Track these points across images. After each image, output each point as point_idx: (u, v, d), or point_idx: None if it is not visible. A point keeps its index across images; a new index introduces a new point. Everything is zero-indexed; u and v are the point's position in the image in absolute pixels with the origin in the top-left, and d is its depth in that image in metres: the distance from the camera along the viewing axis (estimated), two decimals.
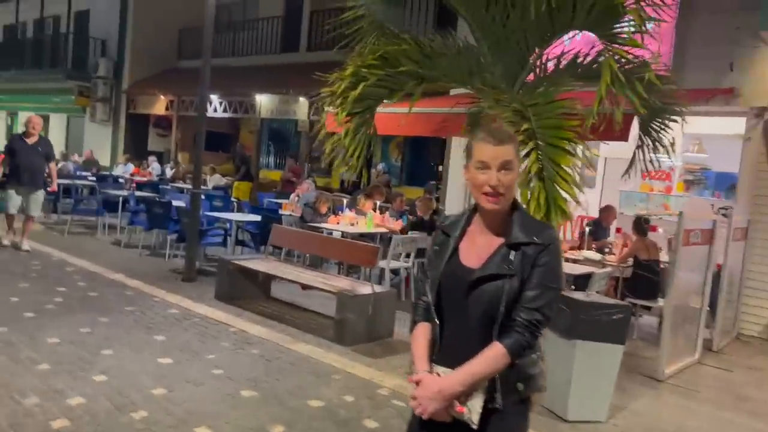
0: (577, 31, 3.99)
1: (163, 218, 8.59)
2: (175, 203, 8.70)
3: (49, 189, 8.69)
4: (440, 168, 14.42)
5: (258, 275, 6.61)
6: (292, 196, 10.28)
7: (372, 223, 7.67)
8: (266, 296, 6.84)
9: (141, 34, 18.11)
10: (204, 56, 7.45)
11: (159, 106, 17.30)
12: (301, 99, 13.37)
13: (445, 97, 7.76)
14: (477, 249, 1.93)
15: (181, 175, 14.37)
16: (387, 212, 8.48)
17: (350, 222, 7.72)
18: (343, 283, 5.95)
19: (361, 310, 5.38)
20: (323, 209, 7.86)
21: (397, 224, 7.91)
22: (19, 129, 24.15)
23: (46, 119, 22.04)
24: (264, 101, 14.24)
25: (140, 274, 7.57)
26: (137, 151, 17.63)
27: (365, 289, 5.61)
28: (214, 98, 15.54)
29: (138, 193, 10.82)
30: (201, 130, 7.48)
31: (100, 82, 18.32)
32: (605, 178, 12.16)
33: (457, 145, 10.45)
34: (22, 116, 23.52)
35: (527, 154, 3.58)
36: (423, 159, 14.92)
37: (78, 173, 14.15)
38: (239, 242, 8.09)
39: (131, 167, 16.01)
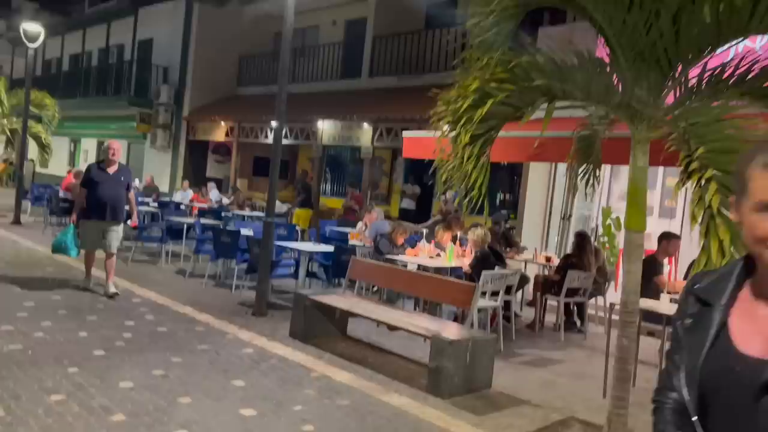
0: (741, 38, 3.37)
1: (231, 247, 8.21)
2: (243, 232, 8.33)
3: (130, 223, 7.78)
4: (507, 196, 13.81)
5: (335, 312, 6.11)
6: (360, 224, 9.81)
7: (453, 256, 7.09)
8: (343, 334, 6.32)
9: (202, 61, 18.24)
10: (280, 80, 7.10)
11: (219, 133, 17.27)
12: (365, 125, 13.00)
13: (537, 120, 7.19)
14: (761, 327, 1.29)
15: (241, 202, 14.14)
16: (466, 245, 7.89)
17: (429, 255, 7.17)
18: (431, 324, 5.37)
19: (458, 357, 4.78)
20: (400, 240, 7.34)
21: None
22: (81, 156, 24.94)
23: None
24: (325, 127, 13.95)
25: (209, 306, 7.17)
26: (196, 178, 17.60)
27: (461, 332, 5.01)
28: (274, 125, 15.34)
29: (203, 221, 10.55)
30: (276, 158, 7.09)
31: (162, 109, 18.48)
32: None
33: (534, 172, 9.82)
34: (85, 143, 24.14)
35: (698, 184, 2.97)
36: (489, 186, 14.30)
37: (139, 199, 14.07)
38: (310, 274, 7.63)
39: (190, 193, 15.91)
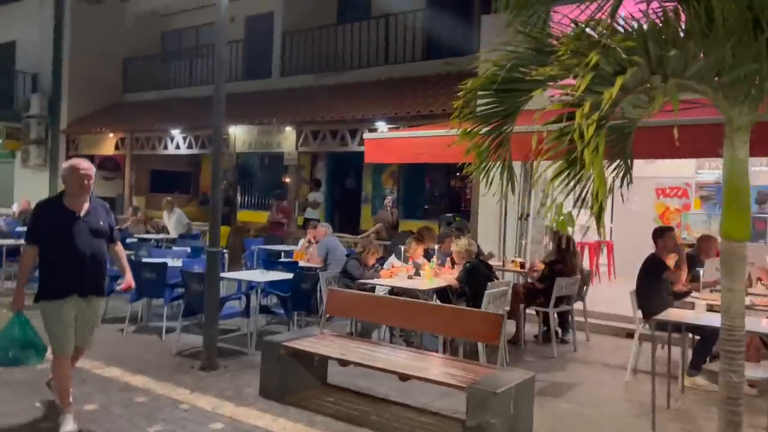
0: None
1: (157, 284, 6.74)
2: (170, 264, 6.88)
3: (120, 286, 4.84)
4: (445, 198, 13.08)
5: (314, 358, 4.95)
6: (302, 242, 8.62)
7: (431, 274, 6.13)
8: (324, 383, 5.16)
9: (79, 65, 15.95)
10: (217, 76, 5.79)
11: (106, 146, 15.16)
12: (287, 129, 11.73)
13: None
14: None
15: (144, 221, 12.31)
16: (435, 258, 6.95)
17: (408, 275, 6.16)
18: (452, 368, 4.38)
19: (503, 410, 3.83)
20: (372, 260, 6.28)
21: (451, 273, 6.39)
22: None
23: None
24: (238, 133, 12.49)
25: (141, 363, 5.71)
26: None
27: (498, 377, 4.06)
28: (176, 133, 13.64)
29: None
30: (217, 170, 5.77)
31: (33, 122, 15.98)
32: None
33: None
34: None
35: None
36: (418, 188, 13.55)
37: (16, 229, 11.83)
38: (264, 309, 6.34)
39: None
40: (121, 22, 16.53)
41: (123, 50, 16.61)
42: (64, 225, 4.08)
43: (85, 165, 4.19)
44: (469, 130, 3.71)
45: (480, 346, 5.21)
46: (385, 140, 6.34)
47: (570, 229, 9.74)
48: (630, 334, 7.56)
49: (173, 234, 12.38)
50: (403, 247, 6.73)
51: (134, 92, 16.64)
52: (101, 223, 4.28)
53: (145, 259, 7.29)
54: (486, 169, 3.83)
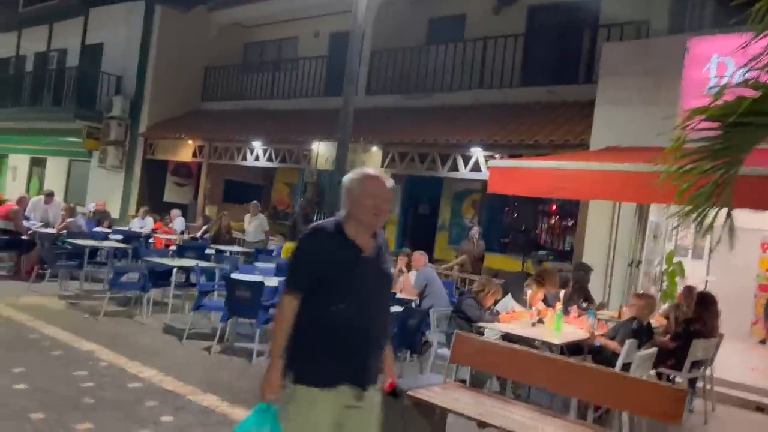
0: None
1: (251, 305, 6.31)
2: (267, 283, 6.46)
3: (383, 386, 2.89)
4: (533, 233, 12.37)
5: (434, 409, 4.37)
6: (394, 271, 8.07)
7: (560, 324, 5.48)
8: None
9: (163, 71, 16.05)
10: (346, 89, 5.39)
11: (184, 152, 15.08)
12: (374, 148, 11.32)
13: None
14: None
15: (225, 231, 11.96)
16: (559, 304, 6.28)
17: (531, 322, 5.54)
18: None
19: None
20: (490, 301, 5.68)
21: (585, 324, 5.72)
22: (8, 174, 21.78)
23: (43, 163, 19.68)
24: (321, 150, 12.16)
25: (237, 393, 5.25)
26: (152, 203, 15.25)
27: None
28: (256, 145, 13.42)
29: (183, 262, 8.50)
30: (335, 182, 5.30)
31: (114, 123, 16.06)
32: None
33: (596, 210, 8.44)
34: (14, 159, 21.11)
35: None
36: (499, 220, 12.91)
37: (94, 229, 11.73)
38: None
39: (150, 222, 13.64)
40: (206, 32, 16.61)
41: (205, 59, 16.66)
42: (345, 268, 2.55)
43: (388, 183, 2.63)
44: (689, 167, 3.09)
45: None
46: (516, 170, 5.79)
47: (679, 279, 9.00)
48: (761, 408, 6.75)
49: (250, 239, 12.11)
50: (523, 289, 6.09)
51: (212, 101, 16.62)
52: (389, 268, 2.83)
53: (236, 275, 6.88)
54: (702, 214, 3.19)
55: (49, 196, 11.89)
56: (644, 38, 8.35)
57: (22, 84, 19.20)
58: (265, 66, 16.25)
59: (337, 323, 2.55)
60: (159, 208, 14.86)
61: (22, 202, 10.21)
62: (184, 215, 14.32)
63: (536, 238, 12.19)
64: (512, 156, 9.48)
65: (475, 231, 10.48)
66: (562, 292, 6.17)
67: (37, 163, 19.98)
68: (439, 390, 4.46)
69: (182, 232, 13.61)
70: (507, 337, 5.48)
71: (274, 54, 16.71)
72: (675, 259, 8.92)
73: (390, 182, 2.64)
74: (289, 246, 11.71)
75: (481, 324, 5.35)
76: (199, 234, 12.65)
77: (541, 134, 9.09)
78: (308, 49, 15.43)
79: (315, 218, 14.09)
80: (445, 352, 5.67)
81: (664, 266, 8.81)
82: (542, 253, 10.00)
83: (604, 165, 5.13)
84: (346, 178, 2.64)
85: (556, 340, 5.13)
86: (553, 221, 11.92)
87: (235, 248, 11.89)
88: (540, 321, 5.53)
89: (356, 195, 2.57)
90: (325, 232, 2.59)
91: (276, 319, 2.63)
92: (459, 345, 4.62)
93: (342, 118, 5.30)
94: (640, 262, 8.25)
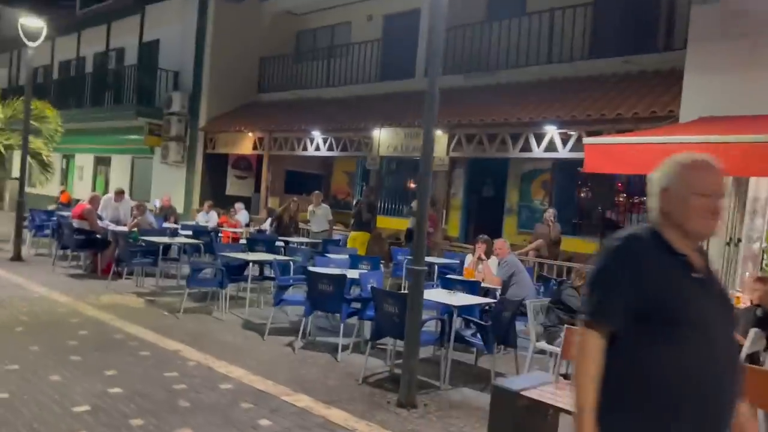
0: None
1: (334, 299, 6.12)
2: (349, 275, 6.25)
3: None
4: (609, 212, 11.79)
5: (548, 410, 4.05)
6: (470, 258, 7.76)
7: None
8: None
9: (219, 64, 16.08)
10: (430, 72, 5.06)
11: (244, 145, 15.08)
12: (439, 132, 10.95)
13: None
14: None
15: (291, 220, 11.73)
16: None
17: None
18: None
19: None
20: None
21: None
22: (75, 173, 22.42)
23: (107, 161, 20.13)
24: (383, 136, 11.88)
25: (329, 393, 5.06)
26: (215, 197, 15.32)
27: None
28: (316, 134, 13.26)
29: (256, 255, 8.39)
30: (426, 176, 5.01)
31: (174, 119, 16.21)
32: None
33: None
34: (79, 159, 21.70)
35: None
36: (571, 201, 12.36)
37: (163, 225, 11.83)
38: (459, 339, 5.53)
39: (215, 216, 13.70)
40: (259, 22, 16.51)
41: (259, 50, 16.57)
42: (679, 294, 1.83)
43: (721, 172, 1.93)
44: None
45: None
46: (615, 146, 5.36)
47: None
48: None
49: (315, 228, 11.98)
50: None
51: (268, 92, 16.56)
52: (729, 294, 2.15)
53: (318, 269, 6.70)
54: None
55: (120, 194, 12.02)
56: None
57: (84, 85, 19.65)
58: (318, 54, 16.04)
59: (673, 373, 1.76)
60: (222, 202, 14.94)
61: (94, 201, 10.34)
62: (247, 208, 14.34)
63: (612, 218, 11.62)
64: (591, 133, 8.96)
65: (551, 213, 10.00)
66: None
67: (102, 162, 20.47)
68: (551, 389, 4.14)
69: (247, 225, 13.64)
70: None
71: (326, 41, 16.47)
72: None
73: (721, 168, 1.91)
74: (355, 236, 11.53)
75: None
76: (267, 225, 12.56)
77: (623, 107, 8.54)
78: (361, 33, 15.11)
79: (379, 206, 13.87)
80: (544, 345, 5.34)
81: (764, 244, 8.17)
82: None
83: (723, 137, 4.65)
84: (659, 172, 1.95)
85: None
86: (629, 199, 11.30)
87: (302, 239, 11.80)
88: None
89: (679, 193, 1.87)
90: (644, 243, 1.87)
91: (578, 363, 1.88)
92: (572, 341, 4.27)
93: (427, 100, 4.97)
94: (739, 240, 7.65)
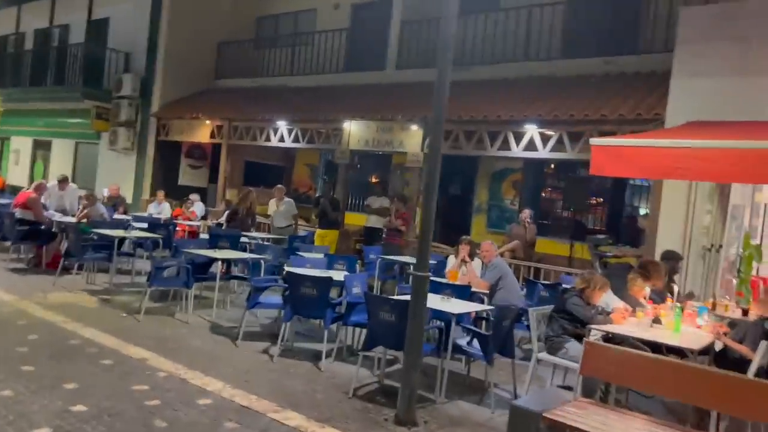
0: None
1: (318, 303, 5.66)
2: (335, 278, 5.81)
3: None
4: (581, 215, 11.70)
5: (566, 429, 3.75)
6: (454, 260, 7.43)
7: (680, 324, 4.86)
8: None
9: (175, 47, 15.14)
10: (440, 61, 4.70)
11: (200, 133, 14.28)
12: (413, 127, 10.59)
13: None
14: None
15: (248, 209, 11.05)
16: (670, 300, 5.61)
17: (649, 321, 4.90)
18: None
19: None
20: (597, 298, 5.04)
21: (709, 325, 5.05)
22: (11, 157, 20.85)
23: (47, 146, 18.81)
24: (354, 129, 11.41)
25: (320, 408, 4.61)
26: (166, 187, 14.43)
27: None
28: (281, 124, 12.65)
29: (253, 257, 7.82)
30: (433, 172, 4.62)
31: (124, 103, 15.22)
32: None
33: (670, 190, 7.78)
34: (15, 142, 20.20)
35: None
36: (538, 202, 12.24)
37: (113, 216, 11.00)
38: (456, 349, 5.17)
39: (167, 207, 12.92)
40: (217, 5, 15.69)
41: (217, 34, 15.75)
42: None
43: None
44: None
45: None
46: (624, 149, 5.10)
47: (756, 265, 8.39)
48: None
49: (279, 224, 11.42)
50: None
51: (226, 78, 15.78)
52: None
53: (296, 269, 6.22)
54: None
55: (63, 181, 11.15)
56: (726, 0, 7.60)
57: (23, 63, 18.27)
58: (281, 41, 15.37)
59: None
60: (174, 193, 14.13)
61: (40, 189, 9.47)
62: (202, 200, 13.60)
63: (582, 220, 11.57)
64: (572, 133, 8.81)
65: (527, 214, 9.81)
66: (675, 287, 5.53)
67: (41, 146, 19.09)
68: (573, 409, 3.84)
69: (203, 218, 12.92)
70: (609, 338, 4.87)
71: (290, 27, 15.80)
72: (754, 241, 8.31)
73: None
74: (324, 233, 11.03)
75: (593, 326, 4.71)
76: (224, 219, 11.85)
77: (606, 109, 8.39)
78: (327, 21, 14.55)
79: (350, 202, 13.40)
80: (546, 356, 5.06)
81: (740, 250, 8.19)
82: (601, 236, 9.34)
83: (743, 143, 4.46)
84: None
85: (680, 343, 4.52)
86: (600, 201, 11.28)
87: (263, 234, 11.22)
88: (657, 321, 4.90)
89: None
90: None
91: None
92: (591, 356, 3.99)
93: (437, 91, 4.63)
94: (720, 246, 7.63)
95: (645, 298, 5.48)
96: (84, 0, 16.53)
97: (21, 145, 19.90)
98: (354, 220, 12.72)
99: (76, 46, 16.42)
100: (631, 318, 4.98)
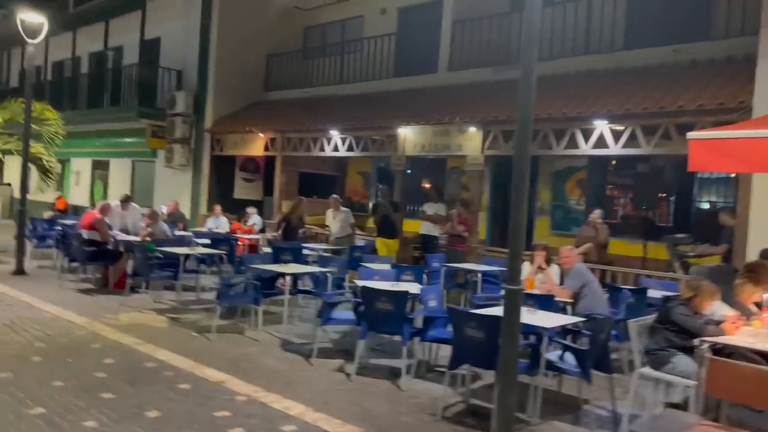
0: None
1: (396, 318, 5.41)
2: (412, 291, 5.55)
3: None
4: (653, 213, 11.14)
5: None
6: (530, 268, 7.04)
7: None
8: None
9: (226, 62, 15.28)
10: (524, 53, 4.39)
11: (255, 146, 14.31)
12: (472, 129, 10.26)
13: None
14: None
15: (299, 218, 10.80)
16: None
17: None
18: None
19: None
20: (707, 306, 4.61)
21: None
22: (72, 178, 21.42)
23: (105, 165, 19.26)
24: (409, 135, 11.16)
25: (400, 431, 4.36)
26: (223, 201, 14.50)
27: None
28: (334, 134, 12.52)
29: (309, 269, 7.67)
30: (523, 177, 4.31)
31: (179, 120, 15.41)
32: None
33: (762, 184, 7.23)
34: (75, 163, 20.77)
35: None
36: (604, 200, 11.69)
37: (175, 233, 11.06)
38: (551, 366, 4.83)
39: (225, 221, 12.93)
40: (265, 17, 15.74)
41: (266, 47, 15.78)
42: None
43: None
44: None
45: None
46: (726, 142, 4.68)
47: None
48: None
49: (337, 234, 11.27)
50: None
51: (276, 90, 15.80)
52: None
53: (366, 282, 5.99)
54: None
55: (126, 201, 11.25)
56: None
57: (80, 86, 18.77)
58: (328, 50, 15.29)
59: None
60: (229, 206, 14.17)
61: (105, 210, 9.56)
62: (259, 213, 13.58)
63: (653, 218, 10.99)
64: (646, 127, 8.33)
65: (597, 214, 9.34)
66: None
67: (100, 166, 19.58)
68: None
69: (261, 231, 12.88)
70: (717, 351, 4.42)
71: (337, 36, 15.71)
72: None
73: None
74: (386, 242, 10.81)
75: (707, 338, 4.29)
76: (279, 231, 11.73)
77: (684, 99, 7.88)
78: (374, 28, 14.37)
79: (407, 208, 13.15)
80: (649, 372, 4.65)
81: None
82: (680, 235, 8.78)
83: None
84: None
85: None
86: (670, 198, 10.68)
87: (321, 245, 11.09)
88: None
89: None
90: None
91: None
92: (715, 374, 3.60)
93: (523, 89, 4.31)
94: None
95: (759, 305, 5.01)
96: (136, 21, 16.85)
97: (81, 166, 20.46)
98: (409, 227, 12.45)
99: (130, 67, 16.75)
100: (745, 327, 4.53)
